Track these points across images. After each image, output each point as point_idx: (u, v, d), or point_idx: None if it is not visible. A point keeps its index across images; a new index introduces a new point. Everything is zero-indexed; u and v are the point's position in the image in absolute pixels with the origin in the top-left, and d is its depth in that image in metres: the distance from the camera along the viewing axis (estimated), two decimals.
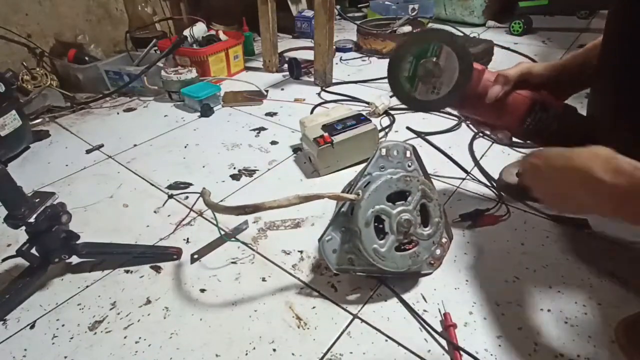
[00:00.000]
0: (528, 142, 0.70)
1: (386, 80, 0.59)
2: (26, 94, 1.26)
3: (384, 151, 0.57)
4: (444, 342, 0.52)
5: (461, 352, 0.50)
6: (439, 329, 0.54)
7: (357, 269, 0.58)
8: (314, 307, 0.58)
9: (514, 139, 0.63)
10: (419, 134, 1.00)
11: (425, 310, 0.57)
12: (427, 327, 0.54)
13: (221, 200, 0.82)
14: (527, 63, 0.60)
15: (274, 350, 0.53)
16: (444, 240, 0.59)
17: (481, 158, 0.90)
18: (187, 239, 0.72)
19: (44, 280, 0.63)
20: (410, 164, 0.58)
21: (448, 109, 1.06)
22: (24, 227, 0.57)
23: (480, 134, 0.98)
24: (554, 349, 0.51)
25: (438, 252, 0.58)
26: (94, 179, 0.91)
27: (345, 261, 0.58)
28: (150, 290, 0.62)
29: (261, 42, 1.47)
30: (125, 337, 0.55)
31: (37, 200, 0.58)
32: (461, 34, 1.71)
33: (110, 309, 0.59)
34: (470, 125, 1.03)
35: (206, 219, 0.77)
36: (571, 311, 0.56)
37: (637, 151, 0.40)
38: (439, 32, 0.56)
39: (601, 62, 0.55)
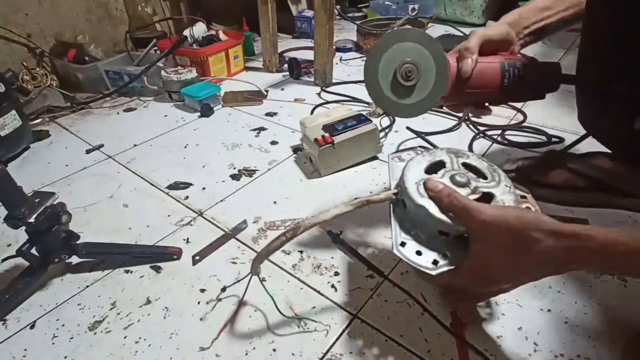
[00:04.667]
0: (509, 103, 0.72)
1: None
2: (26, 94, 1.26)
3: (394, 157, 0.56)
4: (444, 342, 0.52)
5: (468, 351, 0.50)
6: (439, 328, 0.54)
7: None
8: (314, 307, 0.58)
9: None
10: (419, 134, 1.00)
11: (425, 311, 0.57)
12: (426, 326, 0.54)
13: (221, 200, 0.82)
14: (481, 30, 0.59)
15: (274, 350, 0.53)
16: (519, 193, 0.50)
17: None
18: (187, 239, 0.72)
19: (44, 280, 0.63)
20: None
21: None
22: (24, 227, 0.57)
23: (481, 135, 0.99)
24: (554, 349, 0.51)
25: (521, 194, 0.50)
26: (94, 179, 0.92)
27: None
28: (150, 290, 0.62)
29: (261, 42, 1.47)
30: (125, 337, 0.55)
31: (37, 200, 0.58)
32: (461, 34, 1.71)
33: (110, 309, 0.60)
34: (452, 111, 1.03)
35: (206, 219, 0.77)
36: (571, 311, 0.55)
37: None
38: (408, 32, 0.54)
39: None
